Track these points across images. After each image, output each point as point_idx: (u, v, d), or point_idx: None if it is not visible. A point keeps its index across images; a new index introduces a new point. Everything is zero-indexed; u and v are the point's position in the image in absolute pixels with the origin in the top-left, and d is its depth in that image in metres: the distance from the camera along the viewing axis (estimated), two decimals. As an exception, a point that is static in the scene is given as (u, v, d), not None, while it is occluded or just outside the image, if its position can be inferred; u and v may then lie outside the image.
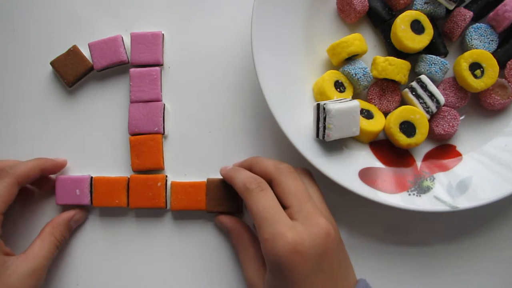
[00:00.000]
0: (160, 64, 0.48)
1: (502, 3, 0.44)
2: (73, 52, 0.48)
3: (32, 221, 0.48)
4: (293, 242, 0.35)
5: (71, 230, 0.47)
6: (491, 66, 0.43)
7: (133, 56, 0.48)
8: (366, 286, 0.38)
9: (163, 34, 0.49)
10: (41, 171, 0.45)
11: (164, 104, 0.48)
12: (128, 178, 0.47)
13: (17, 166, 0.43)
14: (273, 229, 0.35)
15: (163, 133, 0.47)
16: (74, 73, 0.48)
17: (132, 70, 0.48)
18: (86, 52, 0.49)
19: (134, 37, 0.48)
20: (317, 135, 0.43)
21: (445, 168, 0.44)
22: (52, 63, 0.49)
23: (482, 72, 0.44)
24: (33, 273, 0.40)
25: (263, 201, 0.37)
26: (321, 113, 0.41)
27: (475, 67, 0.44)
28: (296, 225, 0.36)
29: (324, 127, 0.41)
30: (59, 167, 0.47)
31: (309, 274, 0.35)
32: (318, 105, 0.42)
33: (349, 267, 0.38)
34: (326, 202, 0.41)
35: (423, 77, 0.44)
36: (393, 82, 0.45)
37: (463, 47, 0.46)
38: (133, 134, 0.47)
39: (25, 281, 0.40)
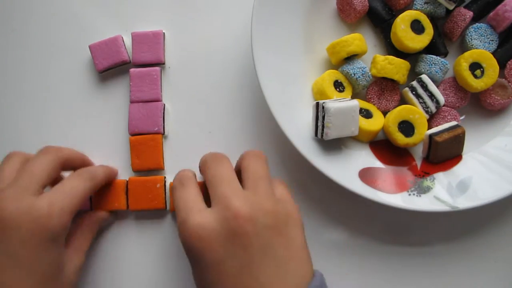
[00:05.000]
0: (162, 63, 0.48)
1: (502, 3, 0.44)
2: None
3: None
4: (195, 227, 0.34)
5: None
6: (491, 66, 0.43)
7: (135, 55, 0.48)
8: (320, 283, 0.35)
9: (163, 33, 0.49)
10: (82, 161, 0.45)
11: (164, 104, 0.48)
12: (127, 181, 0.47)
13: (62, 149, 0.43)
14: (183, 215, 0.35)
15: (163, 133, 0.47)
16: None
17: (132, 70, 0.48)
18: (87, 54, 0.49)
19: (135, 37, 0.48)
20: (316, 134, 0.43)
21: (445, 168, 0.44)
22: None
23: (482, 72, 0.44)
24: (81, 267, 0.42)
25: (179, 194, 0.38)
26: (320, 112, 0.42)
27: (475, 67, 0.44)
28: (205, 211, 0.35)
29: (323, 126, 0.41)
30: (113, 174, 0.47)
31: (218, 260, 0.34)
32: (317, 104, 0.42)
33: (295, 257, 0.35)
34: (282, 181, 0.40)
35: (424, 77, 0.44)
36: (392, 81, 0.45)
37: (463, 47, 0.46)
38: (133, 134, 0.47)
39: (78, 274, 0.41)
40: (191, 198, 0.37)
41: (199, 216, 0.35)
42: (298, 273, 0.35)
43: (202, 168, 0.40)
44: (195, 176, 0.41)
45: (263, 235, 0.34)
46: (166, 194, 0.47)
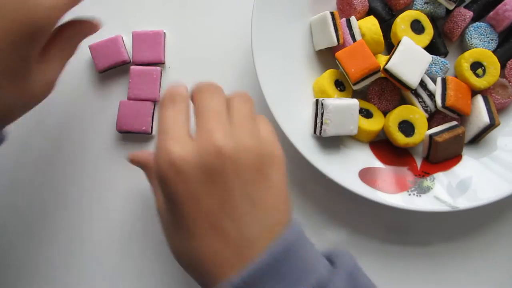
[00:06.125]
0: (162, 63, 0.48)
1: (502, 3, 0.44)
2: None
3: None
4: (174, 157, 0.31)
5: None
6: (492, 64, 0.44)
7: (135, 55, 0.48)
8: (298, 232, 0.33)
9: (164, 33, 0.49)
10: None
11: (155, 103, 0.48)
12: None
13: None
14: (164, 140, 0.32)
15: (151, 133, 0.47)
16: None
17: (132, 67, 0.48)
18: (87, 54, 0.49)
19: (136, 36, 0.48)
20: (315, 131, 0.43)
21: (445, 168, 0.44)
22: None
23: (484, 71, 0.44)
24: (54, 81, 0.39)
25: (167, 113, 0.34)
26: (319, 109, 0.42)
27: (476, 66, 0.44)
28: (187, 142, 0.32)
29: (322, 123, 0.41)
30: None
31: (193, 195, 0.31)
32: (317, 101, 0.42)
33: (274, 200, 0.33)
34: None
35: (423, 76, 0.44)
36: (393, 81, 0.45)
37: (463, 47, 0.46)
38: (120, 131, 0.47)
39: (48, 88, 0.39)
40: (179, 122, 0.33)
41: (181, 146, 0.32)
42: (274, 217, 0.33)
43: (194, 95, 0.36)
44: (189, 95, 0.36)
45: (243, 174, 0.32)
46: None
